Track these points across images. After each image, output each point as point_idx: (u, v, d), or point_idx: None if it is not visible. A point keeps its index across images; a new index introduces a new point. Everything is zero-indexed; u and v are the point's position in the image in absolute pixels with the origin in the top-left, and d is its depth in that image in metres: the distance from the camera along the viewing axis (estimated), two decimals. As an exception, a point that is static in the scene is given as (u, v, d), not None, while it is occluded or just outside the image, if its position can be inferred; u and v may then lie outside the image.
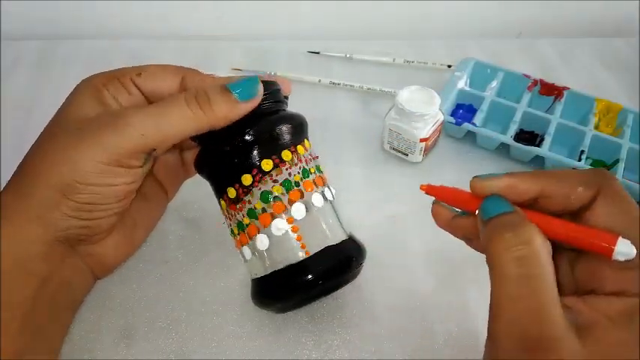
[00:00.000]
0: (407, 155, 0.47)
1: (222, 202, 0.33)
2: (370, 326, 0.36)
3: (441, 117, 0.46)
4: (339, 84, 0.55)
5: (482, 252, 0.25)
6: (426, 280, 0.39)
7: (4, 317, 0.27)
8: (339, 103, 0.54)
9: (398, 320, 0.36)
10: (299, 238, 0.31)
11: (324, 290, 0.32)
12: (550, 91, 0.52)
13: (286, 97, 0.34)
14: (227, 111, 0.29)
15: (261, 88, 0.30)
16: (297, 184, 0.31)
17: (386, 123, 0.46)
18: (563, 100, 0.51)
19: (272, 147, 0.31)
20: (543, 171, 0.26)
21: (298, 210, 0.31)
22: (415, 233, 0.42)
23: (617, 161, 0.45)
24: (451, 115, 0.50)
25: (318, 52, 0.60)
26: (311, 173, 0.32)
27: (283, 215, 0.31)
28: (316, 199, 0.32)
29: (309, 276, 0.30)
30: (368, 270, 0.35)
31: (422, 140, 0.45)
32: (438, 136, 0.48)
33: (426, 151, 0.47)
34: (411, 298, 0.37)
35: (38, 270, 0.28)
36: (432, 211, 0.30)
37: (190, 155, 0.37)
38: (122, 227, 0.33)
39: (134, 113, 0.29)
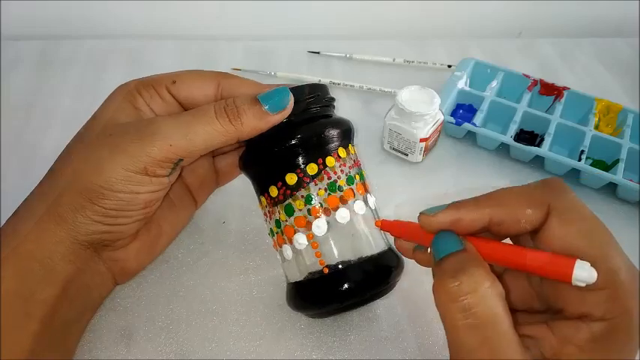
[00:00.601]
0: (407, 155, 0.47)
1: (264, 200, 0.33)
2: (370, 327, 0.36)
3: (441, 117, 0.46)
4: (339, 84, 0.55)
5: None
6: (426, 280, 0.39)
7: (25, 316, 0.27)
8: (339, 103, 0.54)
9: (398, 321, 0.36)
10: (337, 246, 0.31)
11: (360, 301, 0.32)
12: (550, 91, 0.52)
13: (333, 99, 0.34)
14: (256, 123, 0.29)
15: (291, 99, 0.30)
16: (340, 189, 0.31)
17: (386, 123, 0.46)
18: (563, 100, 0.51)
19: (317, 151, 0.31)
20: (489, 196, 0.24)
21: (341, 216, 0.31)
22: (415, 233, 0.42)
23: (617, 161, 0.45)
24: (451, 115, 0.50)
25: (318, 52, 0.60)
26: (355, 180, 0.32)
27: (324, 219, 0.30)
28: (358, 207, 0.31)
29: (346, 285, 0.30)
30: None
31: (422, 140, 0.45)
32: (438, 136, 0.48)
33: (426, 151, 0.47)
34: (411, 298, 0.37)
35: (63, 271, 0.29)
36: (394, 244, 0.30)
37: (223, 162, 0.37)
38: (146, 234, 0.33)
39: (163, 123, 0.29)
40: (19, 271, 0.27)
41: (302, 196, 0.31)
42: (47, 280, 0.28)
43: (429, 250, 0.25)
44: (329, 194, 0.31)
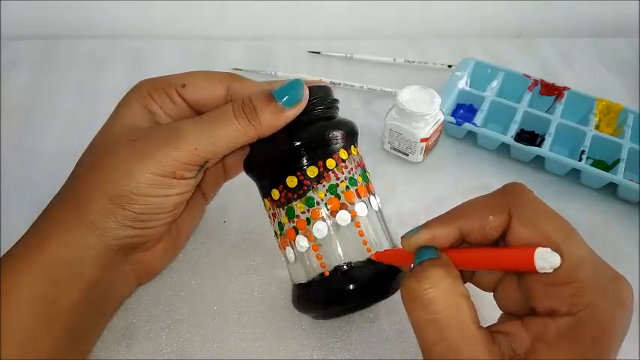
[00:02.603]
0: (407, 155, 0.47)
1: (267, 202, 0.33)
2: (371, 327, 0.36)
3: (441, 117, 0.46)
4: (339, 84, 0.55)
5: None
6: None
7: (49, 321, 0.27)
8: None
9: (399, 321, 0.36)
10: (339, 248, 0.31)
11: (363, 303, 0.32)
12: (550, 91, 0.52)
13: (336, 101, 0.34)
14: (274, 120, 0.30)
15: (306, 91, 0.30)
16: (340, 191, 0.31)
17: (386, 123, 0.46)
18: (563, 100, 0.51)
19: (317, 154, 0.31)
20: (455, 209, 0.26)
21: (342, 218, 0.31)
22: (416, 233, 0.42)
23: (617, 161, 0.45)
24: (451, 115, 0.50)
25: (318, 52, 0.60)
26: (357, 182, 0.32)
27: (324, 222, 0.30)
28: (360, 208, 0.31)
29: (349, 287, 0.30)
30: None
31: (422, 140, 0.45)
32: (439, 136, 0.48)
33: (427, 151, 0.47)
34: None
35: (90, 275, 0.29)
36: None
37: (232, 159, 0.37)
38: (169, 235, 0.34)
39: (188, 128, 0.29)
40: (47, 276, 0.27)
41: (303, 199, 0.31)
42: (73, 286, 0.28)
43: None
44: (329, 197, 0.31)
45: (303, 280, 0.32)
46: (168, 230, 0.33)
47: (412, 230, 0.26)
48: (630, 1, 0.66)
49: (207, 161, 0.30)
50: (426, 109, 0.44)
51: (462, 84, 0.52)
